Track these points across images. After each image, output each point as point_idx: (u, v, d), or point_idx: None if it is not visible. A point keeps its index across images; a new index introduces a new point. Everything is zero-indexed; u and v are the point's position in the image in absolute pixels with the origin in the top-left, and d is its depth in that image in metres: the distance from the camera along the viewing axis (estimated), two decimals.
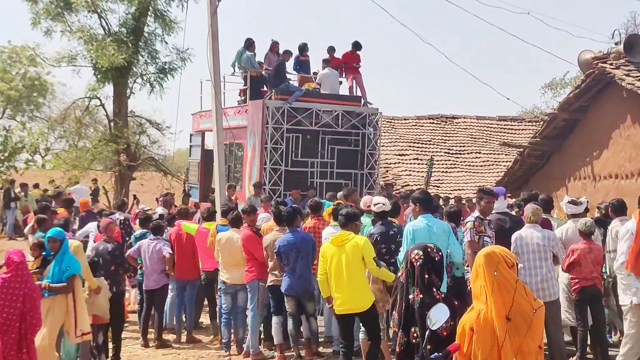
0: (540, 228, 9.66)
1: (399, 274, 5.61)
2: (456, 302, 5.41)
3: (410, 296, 5.39)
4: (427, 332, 5.16)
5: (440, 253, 5.50)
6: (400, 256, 8.95)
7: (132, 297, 14.17)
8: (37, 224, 12.13)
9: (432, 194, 12.98)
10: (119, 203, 16.72)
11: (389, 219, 10.28)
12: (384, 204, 10.17)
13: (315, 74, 20.03)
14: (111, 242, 11.33)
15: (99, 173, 34.72)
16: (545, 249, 9.40)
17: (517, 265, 5.54)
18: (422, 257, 5.40)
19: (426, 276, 5.35)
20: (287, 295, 10.45)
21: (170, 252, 12.08)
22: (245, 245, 10.96)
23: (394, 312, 5.73)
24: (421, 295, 5.32)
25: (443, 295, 5.38)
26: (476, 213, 9.83)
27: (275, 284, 10.74)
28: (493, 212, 10.46)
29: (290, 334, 10.70)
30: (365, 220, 10.61)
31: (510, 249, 8.72)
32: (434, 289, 5.36)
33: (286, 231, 10.57)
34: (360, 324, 9.45)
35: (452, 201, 18.35)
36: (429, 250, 5.45)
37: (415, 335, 5.39)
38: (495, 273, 4.85)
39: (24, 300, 8.11)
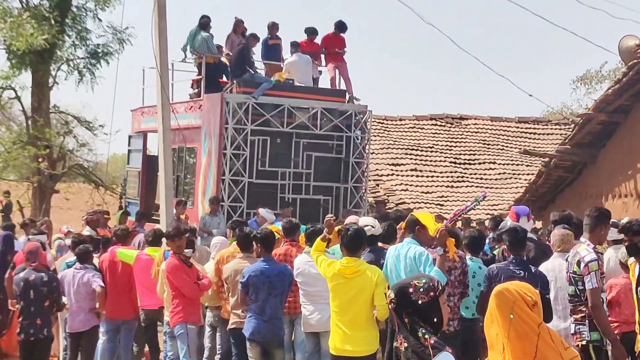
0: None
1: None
2: (450, 350, 5.32)
3: (395, 343, 5.34)
4: None
5: (432, 293, 5.35)
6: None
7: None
8: None
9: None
10: (23, 222, 16.65)
11: (379, 245, 10.26)
12: (373, 227, 10.18)
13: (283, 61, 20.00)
14: (44, 271, 11.24)
15: (13, 184, 34.53)
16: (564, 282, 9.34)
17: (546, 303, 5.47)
18: (393, 299, 5.30)
19: (406, 320, 5.27)
20: (250, 341, 10.37)
21: (102, 285, 11.93)
22: (169, 278, 10.94)
23: None
24: (405, 343, 5.23)
25: (432, 341, 5.28)
26: (589, 243, 8.85)
27: (238, 327, 10.72)
28: None
29: None
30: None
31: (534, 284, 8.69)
32: (421, 334, 5.26)
33: (253, 259, 10.62)
34: None
35: (459, 223, 18.36)
36: (409, 289, 5.29)
37: None
38: (512, 316, 4.80)
39: None
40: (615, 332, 9.81)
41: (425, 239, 9.13)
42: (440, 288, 5.20)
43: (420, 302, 5.20)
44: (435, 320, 5.17)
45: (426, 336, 5.20)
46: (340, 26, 20.27)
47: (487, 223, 19.08)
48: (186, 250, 11.32)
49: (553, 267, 9.49)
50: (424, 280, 5.34)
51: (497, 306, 4.83)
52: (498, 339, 4.85)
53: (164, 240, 12.49)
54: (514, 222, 10.58)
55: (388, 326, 10.07)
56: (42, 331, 10.90)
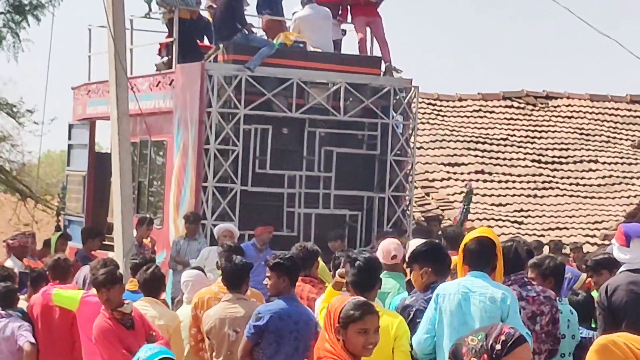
0: None
1: None
2: None
3: None
4: None
5: (485, 356, 5.34)
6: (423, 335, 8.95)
7: None
8: None
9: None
10: None
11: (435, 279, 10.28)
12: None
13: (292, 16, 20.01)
14: None
15: None
16: None
17: None
18: (478, 349, 5.32)
19: None
20: None
21: (32, 341, 11.93)
22: (97, 346, 10.82)
23: None
24: None
25: None
26: None
27: None
28: (622, 268, 10.45)
29: None
30: (390, 281, 10.59)
31: None
32: None
33: (247, 302, 10.70)
34: None
35: (546, 248, 18.37)
36: (462, 349, 5.30)
37: None
38: None
39: None
40: None
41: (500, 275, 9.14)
42: (499, 348, 5.18)
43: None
44: None
45: None
46: None
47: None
48: (126, 302, 10.86)
49: None
50: (479, 337, 5.34)
51: None
52: None
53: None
54: (621, 246, 10.53)
55: None
56: None
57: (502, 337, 5.15)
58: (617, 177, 27.26)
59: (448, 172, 26.16)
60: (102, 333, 10.62)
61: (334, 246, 16.43)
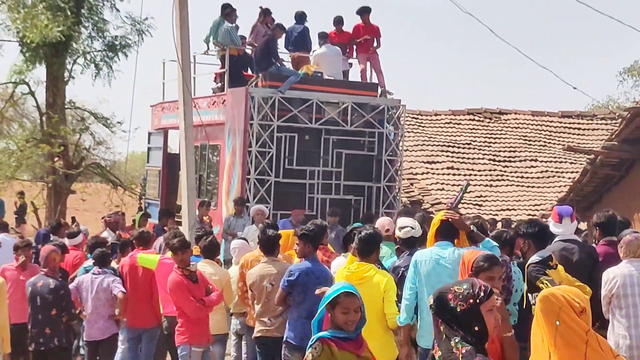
0: None
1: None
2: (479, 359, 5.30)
3: (432, 351, 5.33)
4: None
5: (471, 300, 5.31)
6: (407, 294, 8.94)
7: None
8: None
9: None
10: (54, 225, 16.70)
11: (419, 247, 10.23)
12: (413, 228, 10.12)
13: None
14: (54, 277, 11.19)
15: (26, 184, 34.57)
16: None
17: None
18: (432, 306, 5.29)
19: (441, 328, 5.25)
20: (294, 348, 10.22)
21: (123, 290, 11.89)
22: (172, 295, 10.85)
23: None
24: (439, 352, 5.22)
25: (464, 351, 5.25)
26: None
27: (264, 335, 10.66)
28: (556, 239, 10.40)
29: None
30: (384, 248, 10.56)
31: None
32: (454, 343, 5.23)
33: (279, 263, 10.70)
34: None
35: (499, 225, 18.30)
36: (448, 296, 5.28)
37: None
38: (558, 322, 4.76)
39: None
40: None
41: (462, 243, 9.08)
42: (482, 295, 5.15)
43: (459, 309, 5.18)
44: (477, 329, 5.12)
45: (459, 345, 5.18)
46: (363, 11, 20.14)
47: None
48: (192, 263, 10.98)
49: (630, 273, 9.27)
50: (464, 286, 5.31)
51: (542, 311, 4.80)
52: (543, 346, 4.82)
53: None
54: (556, 223, 10.47)
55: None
56: (52, 341, 10.86)
57: (483, 287, 5.17)
58: (552, 172, 27.14)
59: (427, 168, 26.06)
60: (176, 285, 10.65)
61: (331, 221, 16.46)
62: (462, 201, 23.98)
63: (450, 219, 8.98)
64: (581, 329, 4.78)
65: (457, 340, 5.17)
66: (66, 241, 14.36)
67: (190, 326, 10.81)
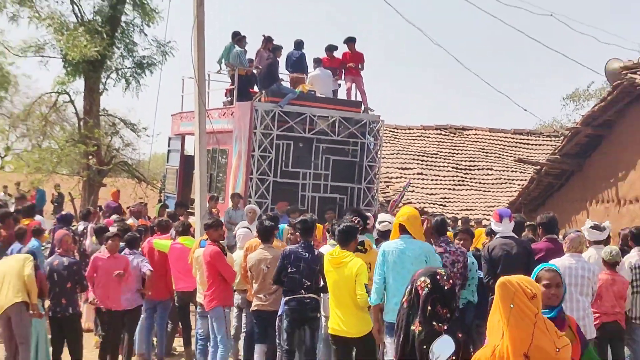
0: (585, 260, 9.57)
1: (403, 298, 5.53)
2: (460, 335, 5.34)
3: (412, 327, 5.32)
4: None
5: (451, 281, 5.39)
6: (377, 278, 8.87)
7: (85, 313, 13.82)
8: None
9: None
10: (84, 212, 16.79)
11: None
12: (389, 223, 10.13)
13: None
14: (67, 256, 11.22)
15: (65, 178, 34.59)
16: (589, 283, 9.27)
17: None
18: (429, 285, 5.29)
19: (429, 308, 5.26)
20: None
21: (151, 269, 11.86)
22: (211, 263, 10.88)
23: (393, 341, 5.70)
24: (420, 327, 5.24)
25: (445, 328, 5.30)
26: None
27: (260, 309, 10.72)
28: (497, 236, 10.44)
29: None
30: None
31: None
32: (435, 322, 5.26)
33: (274, 249, 10.74)
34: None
35: (459, 222, 18.34)
36: (437, 277, 5.32)
37: None
38: (512, 305, 4.76)
39: None
40: (596, 322, 9.77)
41: (420, 236, 9.08)
42: (445, 278, 5.30)
43: (445, 288, 5.29)
44: (453, 305, 5.30)
45: (440, 324, 5.23)
46: (349, 40, 20.14)
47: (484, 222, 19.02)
48: (223, 240, 11.38)
49: (570, 265, 9.26)
50: (443, 270, 5.44)
51: (499, 296, 4.81)
52: (499, 325, 4.82)
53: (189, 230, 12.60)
54: (497, 222, 10.53)
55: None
56: (67, 309, 10.86)
57: (443, 272, 5.29)
58: (504, 179, 27.18)
59: (400, 173, 26.08)
60: (217, 254, 10.96)
61: (329, 216, 16.41)
62: (430, 202, 24.05)
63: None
64: (531, 312, 4.77)
65: (438, 319, 5.23)
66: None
67: (223, 290, 11.00)
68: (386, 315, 8.78)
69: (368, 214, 12.49)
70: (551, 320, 5.18)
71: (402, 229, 8.90)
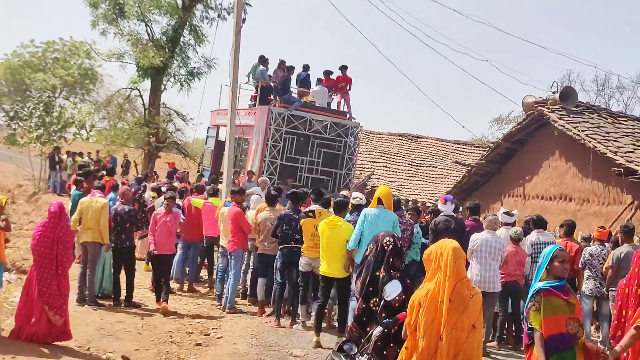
0: (498, 236, 9.65)
1: (366, 252, 5.54)
2: (408, 281, 5.36)
3: (377, 272, 5.34)
4: (382, 302, 5.12)
5: (399, 242, 5.44)
6: (356, 231, 8.86)
7: (138, 246, 13.58)
8: (75, 184, 12.88)
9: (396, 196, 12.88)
10: (143, 176, 16.84)
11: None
12: (360, 199, 10.15)
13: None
14: (127, 205, 11.18)
15: (132, 150, 34.69)
16: (499, 252, 9.41)
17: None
18: (391, 243, 5.35)
19: (391, 260, 5.30)
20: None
21: (184, 218, 11.98)
22: (235, 219, 10.83)
23: (357, 282, 5.69)
24: (384, 273, 5.28)
25: (398, 275, 5.33)
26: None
27: (263, 252, 10.75)
28: (441, 214, 10.44)
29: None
30: None
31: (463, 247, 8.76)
32: (392, 270, 5.30)
33: (277, 211, 10.69)
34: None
35: (410, 203, 18.35)
36: (395, 239, 5.42)
37: (374, 303, 5.35)
38: (454, 264, 4.77)
39: (57, 242, 8.12)
40: (502, 280, 9.81)
41: (390, 207, 9.14)
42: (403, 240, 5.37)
43: (399, 245, 5.33)
44: (403, 259, 5.57)
45: (395, 272, 5.25)
46: (343, 67, 20.00)
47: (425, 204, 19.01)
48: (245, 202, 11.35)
49: (487, 238, 9.38)
50: (396, 235, 5.48)
51: (451, 254, 4.78)
52: (433, 273, 4.81)
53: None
54: (442, 204, 10.54)
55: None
56: (125, 242, 10.84)
57: (397, 236, 5.40)
58: (445, 175, 27.17)
59: (371, 165, 26.05)
60: (239, 213, 10.87)
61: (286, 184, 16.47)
62: (391, 188, 23.98)
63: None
64: (463, 272, 4.86)
65: (393, 269, 5.28)
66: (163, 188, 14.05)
67: (242, 239, 10.92)
68: (357, 258, 8.82)
69: (346, 191, 12.46)
70: (560, 287, 5.01)
71: (379, 202, 8.97)
